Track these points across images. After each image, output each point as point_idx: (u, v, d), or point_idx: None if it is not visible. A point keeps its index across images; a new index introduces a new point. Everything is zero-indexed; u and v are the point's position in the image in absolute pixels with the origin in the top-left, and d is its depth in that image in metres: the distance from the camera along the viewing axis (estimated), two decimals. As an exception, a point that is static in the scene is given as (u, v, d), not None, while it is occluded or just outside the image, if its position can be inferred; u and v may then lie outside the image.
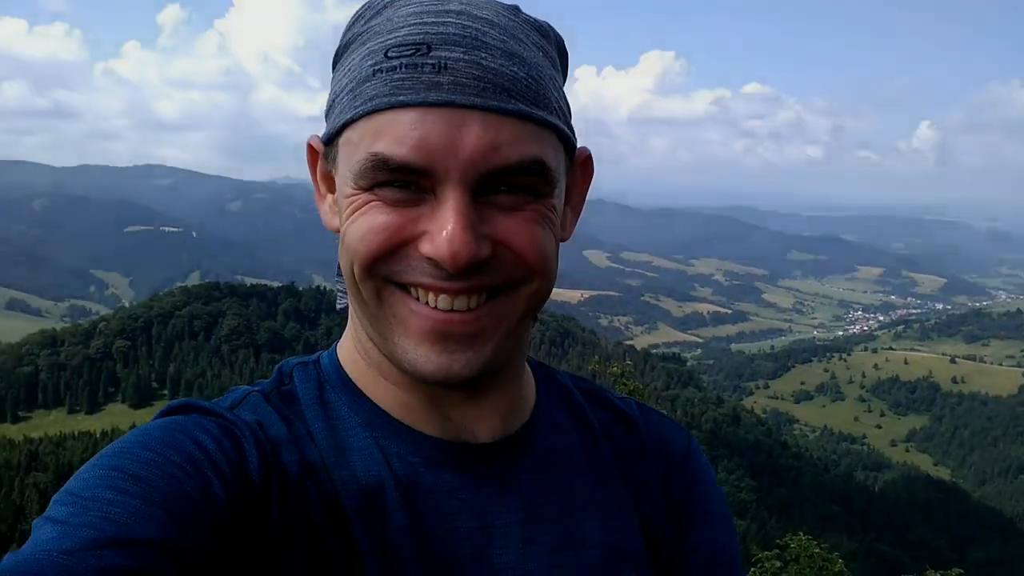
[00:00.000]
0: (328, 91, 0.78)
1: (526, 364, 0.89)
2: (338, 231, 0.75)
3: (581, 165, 0.82)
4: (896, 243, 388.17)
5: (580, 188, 0.83)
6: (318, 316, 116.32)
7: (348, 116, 0.71)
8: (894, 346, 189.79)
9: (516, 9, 0.76)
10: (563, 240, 0.79)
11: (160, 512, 0.62)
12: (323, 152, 0.78)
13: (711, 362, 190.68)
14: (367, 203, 0.70)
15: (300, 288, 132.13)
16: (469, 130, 0.67)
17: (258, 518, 0.69)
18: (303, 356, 0.86)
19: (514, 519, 0.79)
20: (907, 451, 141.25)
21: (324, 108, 0.78)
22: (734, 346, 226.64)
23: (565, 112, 0.76)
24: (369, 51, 0.71)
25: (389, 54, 0.69)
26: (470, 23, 0.70)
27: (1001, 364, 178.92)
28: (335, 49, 0.78)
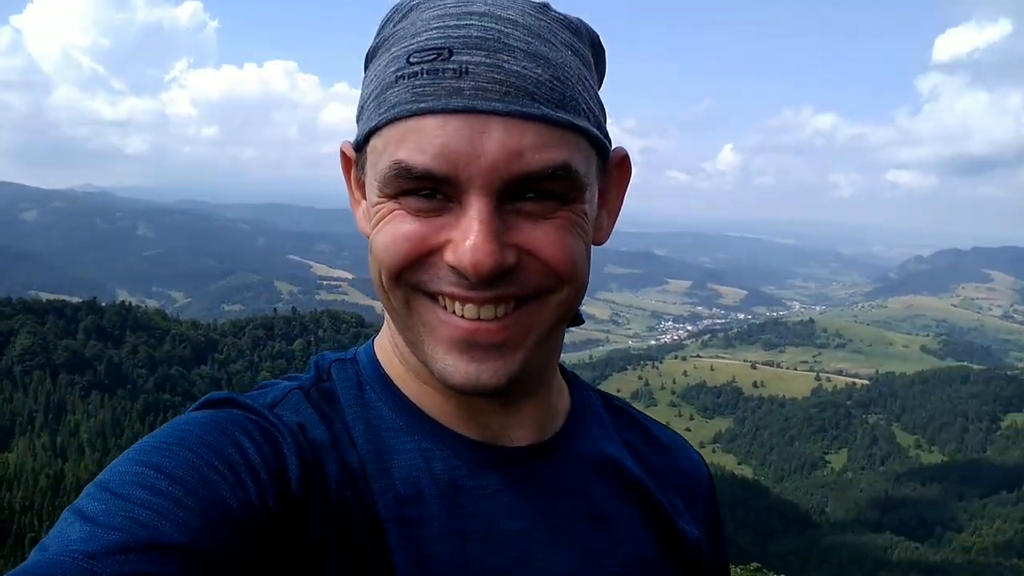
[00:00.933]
0: (359, 93, 0.77)
1: (558, 371, 0.89)
2: (369, 238, 0.75)
3: (617, 166, 0.81)
4: (703, 257, 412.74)
5: (617, 190, 0.83)
6: (123, 333, 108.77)
7: (373, 123, 0.71)
8: (701, 354, 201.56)
9: (545, 7, 0.73)
10: (598, 243, 0.79)
11: (193, 517, 0.60)
12: (355, 159, 0.78)
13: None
14: (392, 212, 0.70)
15: (103, 304, 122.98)
16: (491, 136, 0.66)
17: (295, 527, 0.67)
18: (338, 352, 0.85)
19: (553, 523, 0.79)
20: (714, 452, 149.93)
21: (356, 111, 0.77)
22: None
23: (596, 113, 0.74)
24: (393, 56, 0.70)
25: (411, 59, 0.68)
26: (493, 24, 0.68)
27: (796, 369, 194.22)
28: (366, 52, 0.77)
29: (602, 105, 0.76)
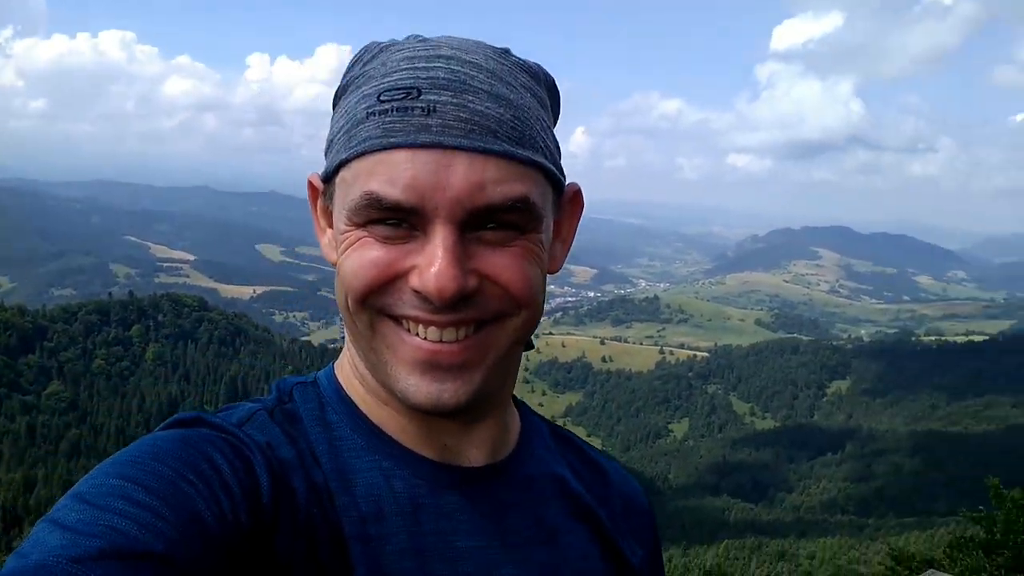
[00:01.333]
0: (328, 130, 0.81)
1: (511, 401, 0.93)
2: (335, 264, 0.78)
3: (570, 200, 0.86)
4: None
5: (569, 222, 0.87)
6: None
7: (343, 156, 0.74)
8: (553, 331, 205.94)
9: (506, 52, 0.78)
10: (552, 272, 0.83)
11: (171, 528, 0.61)
12: (322, 189, 0.81)
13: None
14: (360, 239, 0.73)
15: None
16: (456, 170, 0.70)
17: (265, 542, 0.69)
18: (299, 376, 0.88)
19: (507, 540, 0.82)
20: (565, 425, 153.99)
21: (324, 146, 0.81)
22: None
23: (552, 150, 0.79)
24: (364, 94, 0.74)
25: (382, 97, 0.72)
26: (459, 67, 0.73)
27: (641, 343, 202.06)
28: (335, 90, 0.82)
29: (557, 144, 0.81)
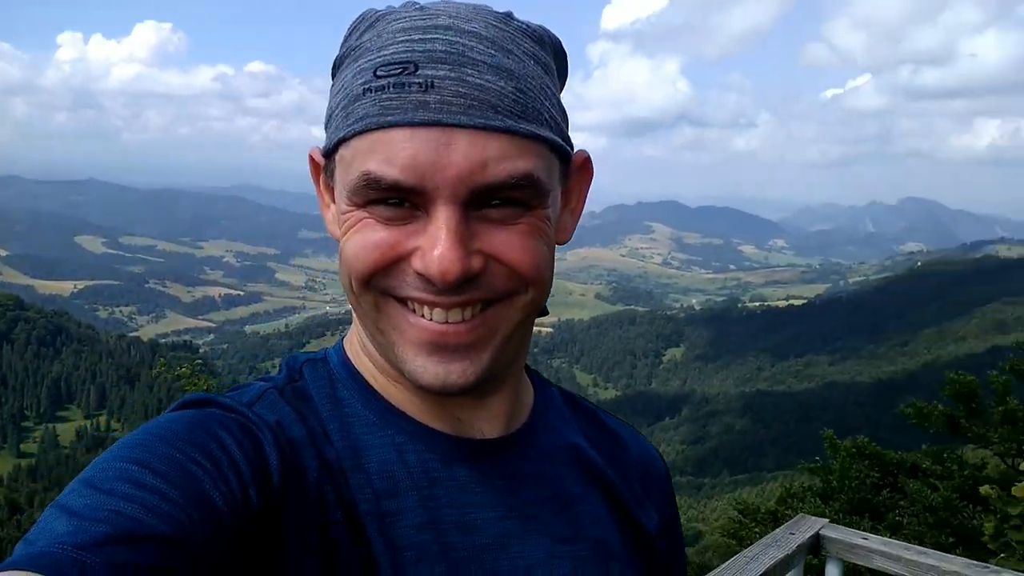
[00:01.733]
0: (327, 102, 0.78)
1: (524, 371, 0.92)
2: (340, 241, 0.77)
3: (579, 168, 0.83)
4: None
5: (579, 191, 0.85)
6: None
7: (341, 134, 0.72)
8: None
9: (508, 17, 0.75)
10: (561, 243, 0.81)
11: (177, 510, 0.61)
12: (323, 165, 0.79)
13: (225, 347, 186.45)
14: (361, 220, 0.72)
15: None
16: (456, 148, 0.68)
17: (275, 522, 0.69)
18: (309, 353, 0.87)
19: (523, 512, 0.81)
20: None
21: (324, 118, 0.78)
22: (248, 328, 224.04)
23: (558, 120, 0.76)
24: (360, 68, 0.72)
25: (378, 73, 0.70)
26: (457, 38, 0.70)
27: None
28: (334, 59, 0.79)
29: (564, 111, 0.78)
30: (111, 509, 0.59)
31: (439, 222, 0.69)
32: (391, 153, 0.68)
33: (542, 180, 0.72)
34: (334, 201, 0.78)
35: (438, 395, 0.75)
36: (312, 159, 0.82)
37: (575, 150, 0.80)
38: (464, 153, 0.68)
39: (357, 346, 0.84)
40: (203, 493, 0.63)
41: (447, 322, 0.72)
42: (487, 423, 0.83)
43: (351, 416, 0.79)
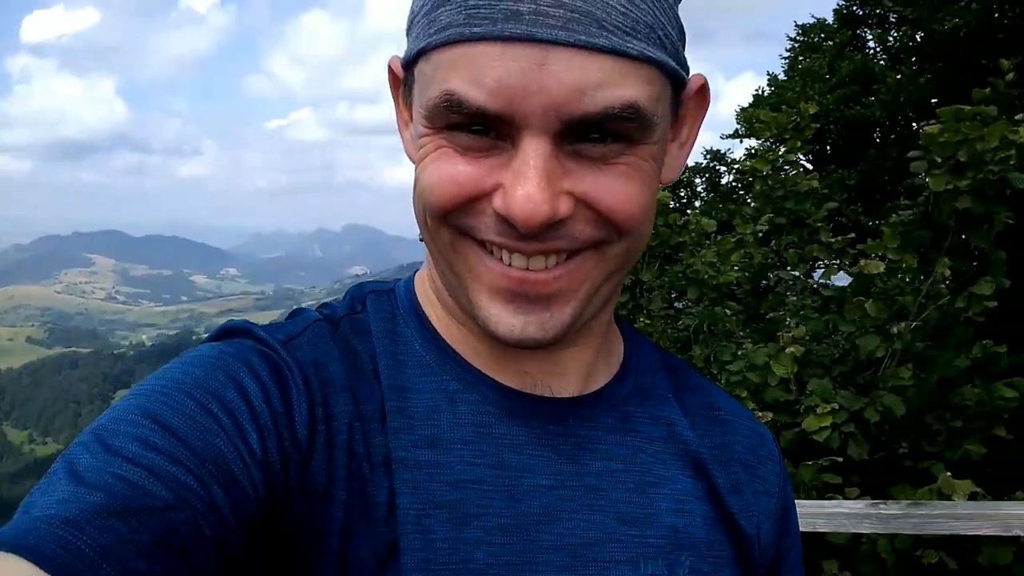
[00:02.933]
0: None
1: (613, 322, 0.81)
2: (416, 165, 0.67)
3: (694, 95, 0.71)
4: None
5: (692, 121, 0.73)
6: None
7: (422, 44, 0.62)
8: None
9: None
10: (667, 183, 0.71)
11: (186, 474, 0.55)
12: (403, 77, 0.70)
13: None
14: (439, 148, 0.63)
15: None
16: (552, 70, 0.57)
17: (299, 472, 0.62)
18: (378, 283, 0.80)
19: (588, 483, 0.71)
20: None
21: (407, 21, 0.68)
22: None
23: (674, 39, 0.64)
24: None
25: None
26: None
27: None
28: None
29: (681, 27, 0.66)
30: (113, 473, 0.54)
31: (526, 157, 0.59)
32: (476, 72, 0.58)
33: (650, 111, 0.61)
34: (412, 120, 0.69)
35: (511, 347, 0.67)
36: (391, 70, 0.73)
37: (691, 75, 0.69)
38: (560, 77, 0.57)
39: (427, 283, 0.76)
40: (215, 450, 0.58)
41: (528, 269, 0.63)
42: (559, 380, 0.73)
43: (406, 355, 0.71)
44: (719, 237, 4.49)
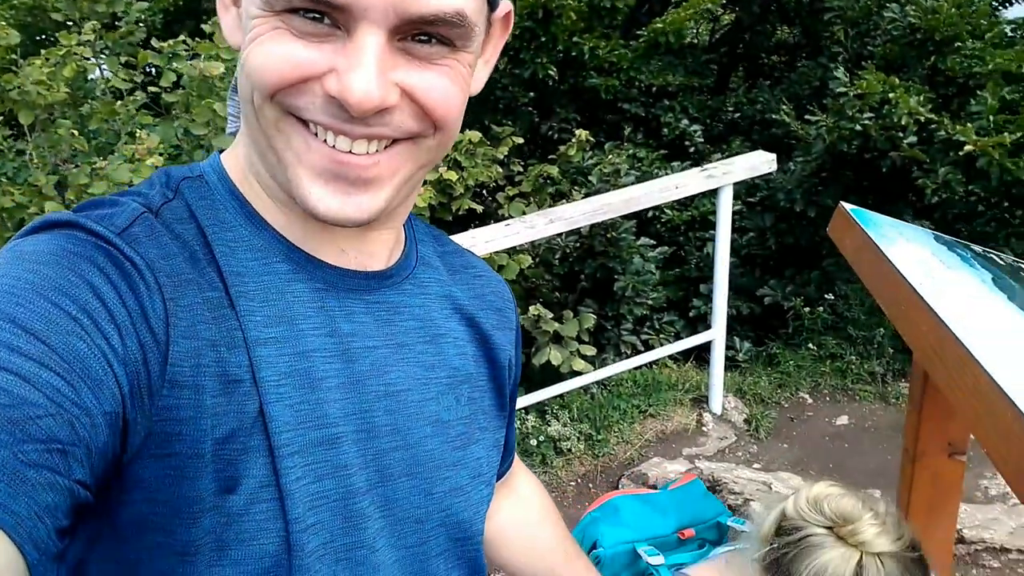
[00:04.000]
0: None
1: None
2: (239, 48, 0.70)
3: (502, 19, 0.79)
4: None
5: (496, 42, 0.80)
6: None
7: None
8: None
9: None
10: (472, 94, 0.76)
11: (56, 378, 0.55)
12: None
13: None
14: (274, 28, 0.64)
15: None
16: None
17: (159, 368, 0.64)
18: (181, 168, 0.78)
19: (398, 340, 0.81)
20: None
21: None
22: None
23: None
24: None
25: None
26: None
27: None
28: None
29: None
30: None
31: (363, 45, 0.63)
32: None
33: (472, 22, 0.67)
34: (236, 4, 0.72)
35: (330, 226, 0.72)
36: None
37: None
38: None
39: (243, 165, 0.76)
40: (79, 352, 0.58)
41: (351, 152, 0.67)
42: (370, 257, 0.80)
43: (236, 240, 0.73)
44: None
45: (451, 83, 0.68)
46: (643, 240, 4.49)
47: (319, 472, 0.71)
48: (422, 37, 0.66)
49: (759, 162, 3.71)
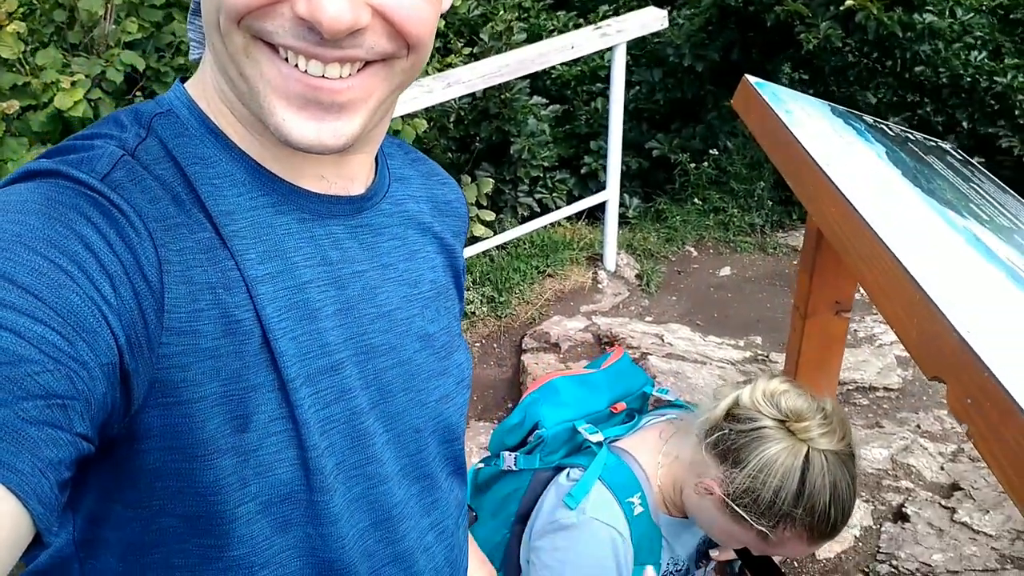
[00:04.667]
0: None
1: None
2: None
3: None
4: None
5: None
6: None
7: None
8: None
9: None
10: (443, 11, 0.77)
11: (50, 332, 0.55)
12: None
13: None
14: None
15: None
16: None
17: (156, 316, 0.63)
18: (147, 104, 0.77)
19: (382, 262, 0.83)
20: None
21: None
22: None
23: None
24: None
25: None
26: None
27: None
28: None
29: None
30: None
31: None
32: None
33: None
34: None
35: (306, 152, 0.71)
36: None
37: None
38: None
39: (214, 95, 0.74)
40: (74, 306, 0.57)
41: (324, 76, 0.66)
42: (350, 181, 0.81)
43: (220, 176, 0.72)
44: None
45: (423, 2, 0.68)
46: (536, 99, 4.46)
47: (326, 399, 0.74)
48: None
49: (651, 19, 3.71)
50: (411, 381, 0.84)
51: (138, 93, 3.77)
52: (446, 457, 0.91)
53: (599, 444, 1.43)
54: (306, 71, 0.65)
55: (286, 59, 0.66)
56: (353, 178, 0.82)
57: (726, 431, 1.35)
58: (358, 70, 0.68)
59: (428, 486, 0.87)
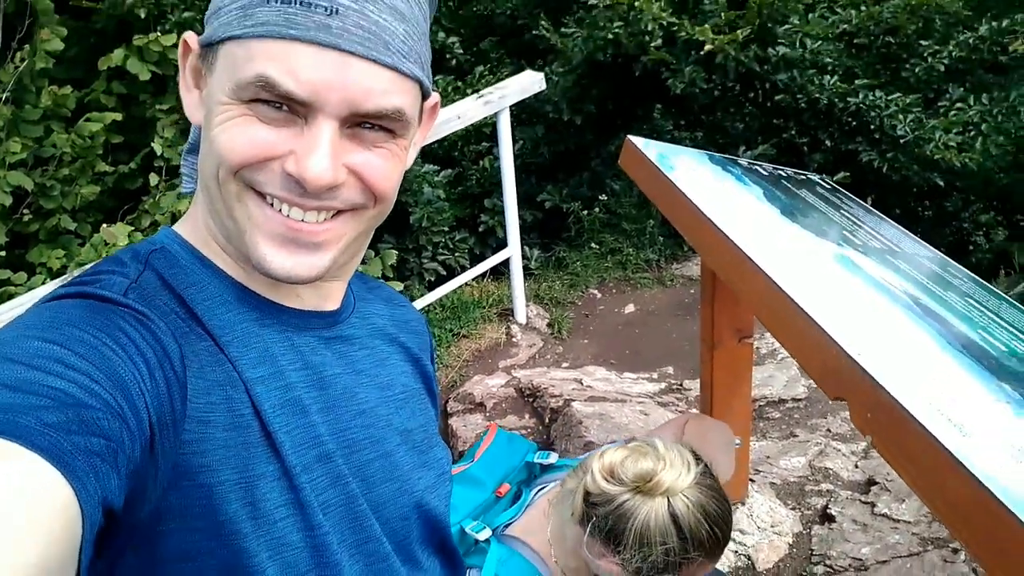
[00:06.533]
0: None
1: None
2: (199, 124, 0.82)
3: (430, 109, 0.93)
4: None
5: (425, 127, 0.94)
6: None
7: (236, 32, 0.75)
8: None
9: None
10: (406, 169, 0.89)
11: (106, 392, 0.61)
12: (199, 51, 0.82)
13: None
14: (242, 115, 0.76)
15: None
16: (350, 74, 0.74)
17: (181, 403, 0.72)
18: (140, 245, 0.87)
19: (356, 368, 0.93)
20: None
21: (209, 9, 0.81)
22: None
23: (426, 62, 0.84)
24: None
25: None
26: None
27: None
28: None
29: (430, 53, 0.87)
30: (46, 384, 0.58)
31: (320, 133, 0.75)
32: (293, 66, 0.73)
33: (409, 116, 0.81)
34: (199, 87, 0.83)
35: (283, 282, 0.84)
36: (186, 43, 0.85)
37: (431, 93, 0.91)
38: (356, 80, 0.75)
39: (204, 232, 0.87)
40: (120, 377, 0.64)
41: (303, 220, 0.79)
42: (324, 299, 0.93)
43: (211, 298, 0.83)
44: None
45: (391, 164, 0.82)
46: (428, 167, 4.59)
47: (323, 485, 0.83)
48: (367, 125, 0.78)
49: (530, 82, 3.90)
50: (394, 472, 0.93)
51: (25, 211, 3.71)
52: (433, 544, 1.00)
53: (487, 542, 1.47)
54: (288, 216, 0.78)
55: (271, 204, 0.78)
56: (327, 297, 0.93)
57: (594, 518, 1.40)
58: (332, 216, 0.81)
59: (414, 569, 0.96)
